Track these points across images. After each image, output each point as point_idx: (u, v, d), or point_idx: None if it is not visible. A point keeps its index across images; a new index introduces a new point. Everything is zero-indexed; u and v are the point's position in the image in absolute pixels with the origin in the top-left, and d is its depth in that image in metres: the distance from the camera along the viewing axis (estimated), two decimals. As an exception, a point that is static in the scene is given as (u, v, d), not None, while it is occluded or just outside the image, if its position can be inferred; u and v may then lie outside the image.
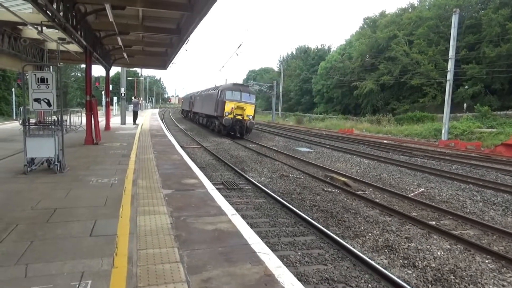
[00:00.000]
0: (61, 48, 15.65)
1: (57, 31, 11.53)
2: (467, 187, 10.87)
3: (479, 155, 19.00)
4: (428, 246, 6.19)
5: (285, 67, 71.97)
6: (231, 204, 6.09)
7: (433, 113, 34.66)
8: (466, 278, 5.12)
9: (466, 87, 34.95)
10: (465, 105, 34.07)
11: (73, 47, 15.59)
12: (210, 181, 7.92)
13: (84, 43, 12.13)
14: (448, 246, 6.24)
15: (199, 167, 9.91)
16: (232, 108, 23.23)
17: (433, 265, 5.50)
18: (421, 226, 7.15)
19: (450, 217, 7.92)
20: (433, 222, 7.44)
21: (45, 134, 7.77)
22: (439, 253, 5.92)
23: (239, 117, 23.41)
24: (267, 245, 4.43)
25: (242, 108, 23.57)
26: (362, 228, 7.11)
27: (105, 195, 6.14)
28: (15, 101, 37.01)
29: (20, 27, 13.89)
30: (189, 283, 3.28)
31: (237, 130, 23.72)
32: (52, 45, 16.71)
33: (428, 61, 38.30)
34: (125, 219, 4.91)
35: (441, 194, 10.01)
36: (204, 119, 30.83)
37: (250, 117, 23.87)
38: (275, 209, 8.01)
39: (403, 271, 5.36)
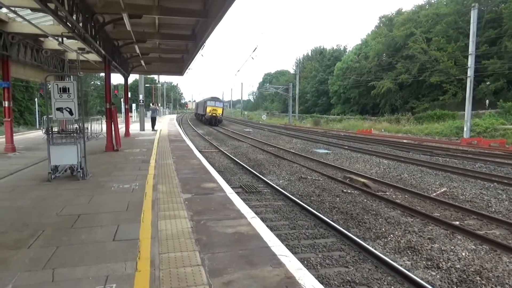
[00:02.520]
0: (81, 58, 16.08)
1: (77, 41, 11.85)
2: (492, 185, 10.58)
3: (503, 152, 18.44)
4: (452, 247, 6.05)
5: (301, 69, 71.85)
6: (250, 207, 6.10)
7: (454, 111, 33.91)
8: (492, 279, 4.98)
9: (488, 83, 34.07)
10: (487, 101, 33.20)
11: (93, 57, 15.99)
12: (229, 185, 7.97)
13: (103, 52, 12.41)
14: (473, 247, 6.08)
15: (217, 171, 9.97)
16: (210, 110, 43.21)
17: (458, 266, 5.38)
18: (445, 227, 7.00)
19: (475, 216, 7.72)
20: (457, 222, 7.28)
21: (68, 142, 7.97)
22: (463, 254, 5.78)
23: (214, 114, 42.95)
24: (287, 248, 4.43)
25: (215, 110, 43.38)
26: (383, 229, 7.02)
27: (126, 200, 6.26)
28: (38, 111, 38.12)
29: (42, 39, 14.33)
30: (210, 286, 3.31)
31: (213, 121, 42.78)
32: (72, 55, 17.18)
33: (447, 58, 37.53)
34: (147, 224, 4.99)
35: (464, 193, 9.78)
36: (200, 116, 52.03)
37: (220, 115, 43.91)
38: (294, 211, 7.99)
39: (427, 272, 5.26)
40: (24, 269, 3.61)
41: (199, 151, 14.97)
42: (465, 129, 25.69)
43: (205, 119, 45.08)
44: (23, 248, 4.14)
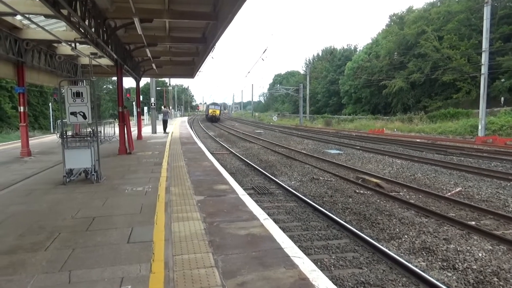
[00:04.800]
0: (93, 62, 16.30)
1: (89, 46, 12.04)
2: (508, 184, 10.38)
3: (519, 150, 18.07)
4: (468, 247, 5.96)
5: (311, 69, 71.50)
6: (262, 209, 6.10)
7: (468, 109, 33.33)
8: (511, 280, 4.88)
9: (503, 80, 33.45)
10: (502, 98, 32.59)
11: (105, 61, 16.21)
12: (241, 186, 7.98)
13: (115, 56, 12.57)
14: (490, 247, 5.98)
15: (229, 173, 10.00)
16: (211, 111, 62.71)
17: (475, 267, 5.29)
18: (460, 227, 6.89)
19: (491, 216, 7.59)
20: (473, 222, 7.16)
21: (82, 145, 8.09)
22: (480, 255, 5.68)
23: (213, 114, 61.61)
24: (300, 249, 4.42)
25: (214, 111, 62.38)
26: (397, 230, 6.95)
27: (140, 203, 6.32)
28: (52, 115, 38.79)
29: (55, 44, 14.57)
30: (224, 287, 3.32)
31: (213, 120, 60.84)
32: (85, 60, 17.42)
33: (460, 55, 36.95)
34: (160, 226, 5.04)
35: (480, 193, 9.61)
36: (206, 115, 69.00)
37: (218, 114, 62.50)
38: (306, 212, 7.96)
39: (443, 273, 5.18)
40: (41, 271, 3.67)
41: (211, 153, 15.04)
42: (479, 127, 25.25)
43: (208, 117, 65.27)
44: (40, 250, 4.21)
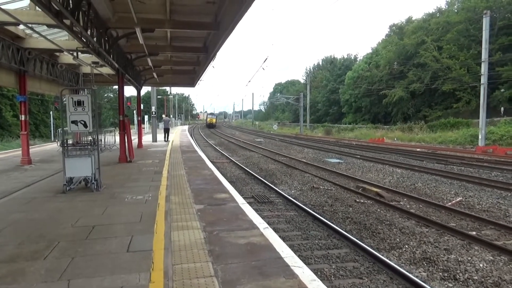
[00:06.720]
0: (95, 71, 16.37)
1: (91, 55, 12.11)
2: (509, 194, 10.36)
3: (520, 160, 18.05)
4: (469, 258, 5.93)
5: (311, 78, 71.91)
6: (262, 218, 6.10)
7: (468, 119, 33.40)
8: (512, 291, 4.86)
9: (502, 90, 33.57)
10: (502, 108, 32.66)
11: (106, 70, 16.28)
12: (241, 195, 7.97)
13: (117, 65, 12.64)
14: (491, 258, 5.95)
15: (229, 182, 9.99)
16: (209, 119, 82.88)
17: (476, 277, 5.26)
18: (461, 237, 6.87)
19: (492, 226, 7.56)
20: (474, 233, 7.13)
21: (82, 154, 8.09)
22: (481, 265, 5.65)
23: (211, 122, 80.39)
24: (300, 259, 4.40)
25: (212, 119, 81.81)
26: (397, 239, 6.92)
27: (140, 211, 6.31)
28: (53, 123, 38.85)
29: (57, 53, 14.67)
30: (224, 298, 3.31)
31: (211, 126, 77.19)
32: (86, 69, 17.51)
33: (459, 65, 37.15)
34: (160, 235, 5.02)
35: (480, 202, 9.59)
36: (206, 123, 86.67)
37: (214, 122, 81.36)
38: (306, 222, 7.94)
39: (443, 284, 5.15)
40: (40, 280, 3.66)
41: (211, 161, 15.03)
42: (480, 137, 25.25)
43: (207, 124, 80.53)
44: (40, 259, 4.20)
